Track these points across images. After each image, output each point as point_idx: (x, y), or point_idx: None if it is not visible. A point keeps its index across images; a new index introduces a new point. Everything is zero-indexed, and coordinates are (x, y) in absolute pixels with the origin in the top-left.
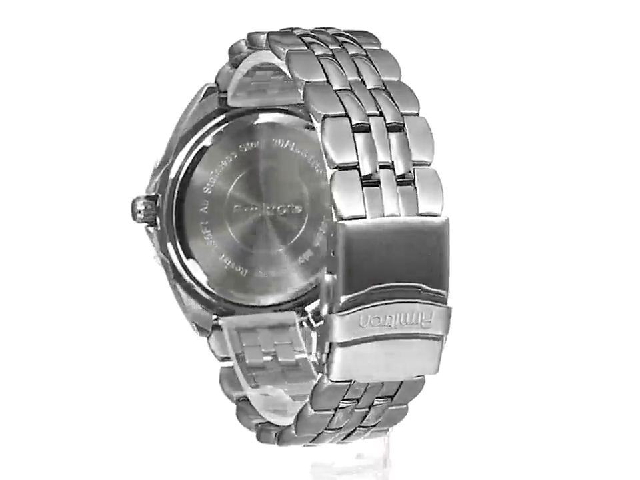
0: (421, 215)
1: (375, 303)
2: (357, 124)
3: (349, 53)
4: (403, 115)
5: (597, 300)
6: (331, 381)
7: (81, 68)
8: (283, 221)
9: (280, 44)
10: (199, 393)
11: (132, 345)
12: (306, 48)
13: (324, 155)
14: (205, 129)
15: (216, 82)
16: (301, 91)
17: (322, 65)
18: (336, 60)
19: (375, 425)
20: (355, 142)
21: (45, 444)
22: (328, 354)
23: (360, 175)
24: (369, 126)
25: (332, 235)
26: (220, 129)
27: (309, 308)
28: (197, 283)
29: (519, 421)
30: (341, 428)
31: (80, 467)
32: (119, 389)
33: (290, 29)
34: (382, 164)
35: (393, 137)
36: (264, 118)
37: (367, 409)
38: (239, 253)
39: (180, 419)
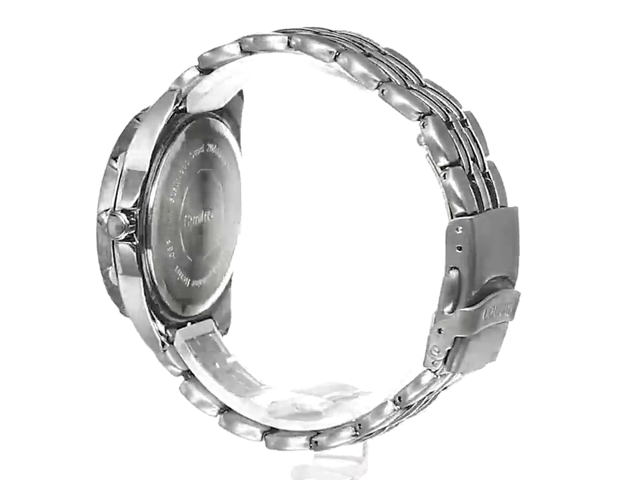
0: (501, 206)
1: (491, 296)
2: (446, 121)
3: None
4: (460, 110)
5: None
6: (435, 375)
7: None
8: (207, 227)
9: (321, 44)
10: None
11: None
12: (344, 48)
13: (433, 152)
14: (169, 137)
15: (178, 89)
16: (377, 91)
17: (375, 64)
18: (377, 59)
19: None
20: (452, 138)
21: (25, 459)
22: (450, 349)
23: (465, 171)
24: (452, 122)
25: (458, 230)
26: (180, 136)
27: (216, 314)
28: (158, 294)
29: (511, 422)
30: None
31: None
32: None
33: (289, 29)
34: (471, 158)
35: (465, 131)
36: (206, 123)
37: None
38: (184, 263)
39: (155, 427)
